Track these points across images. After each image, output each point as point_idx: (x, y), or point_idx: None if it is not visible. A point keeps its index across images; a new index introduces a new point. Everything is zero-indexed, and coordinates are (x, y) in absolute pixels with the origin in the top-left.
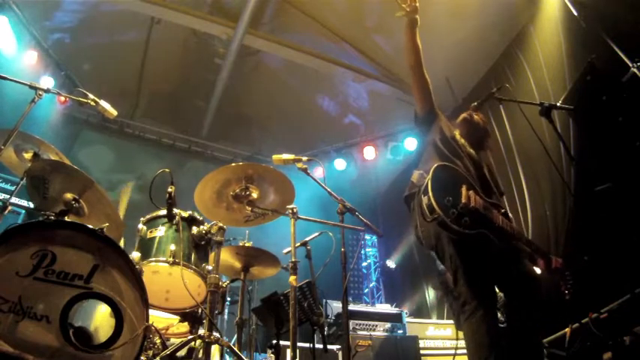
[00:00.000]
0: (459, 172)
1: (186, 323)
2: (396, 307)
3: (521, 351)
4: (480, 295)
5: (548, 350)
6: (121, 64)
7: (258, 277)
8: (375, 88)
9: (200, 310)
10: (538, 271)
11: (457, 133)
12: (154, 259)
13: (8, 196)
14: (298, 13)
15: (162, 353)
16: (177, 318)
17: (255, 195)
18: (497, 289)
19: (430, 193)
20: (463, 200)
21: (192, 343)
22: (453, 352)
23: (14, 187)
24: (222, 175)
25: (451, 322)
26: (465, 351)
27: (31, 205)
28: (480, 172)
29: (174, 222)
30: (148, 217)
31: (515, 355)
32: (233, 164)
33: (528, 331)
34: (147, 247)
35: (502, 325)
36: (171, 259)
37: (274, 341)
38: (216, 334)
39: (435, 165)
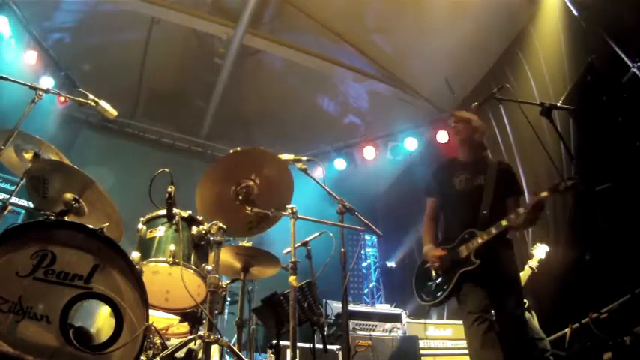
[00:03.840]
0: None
1: (186, 323)
2: (396, 307)
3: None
4: (477, 310)
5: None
6: (121, 64)
7: (258, 277)
8: (375, 88)
9: (200, 310)
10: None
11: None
12: (153, 259)
13: (8, 196)
14: (298, 13)
15: (162, 353)
16: (177, 318)
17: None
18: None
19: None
20: None
21: (192, 343)
22: (452, 352)
23: (14, 187)
24: (221, 175)
25: (451, 322)
26: (466, 351)
27: (31, 205)
28: (473, 197)
29: (173, 222)
30: (147, 217)
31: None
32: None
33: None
34: (146, 247)
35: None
36: (170, 259)
37: (274, 341)
38: (216, 334)
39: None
